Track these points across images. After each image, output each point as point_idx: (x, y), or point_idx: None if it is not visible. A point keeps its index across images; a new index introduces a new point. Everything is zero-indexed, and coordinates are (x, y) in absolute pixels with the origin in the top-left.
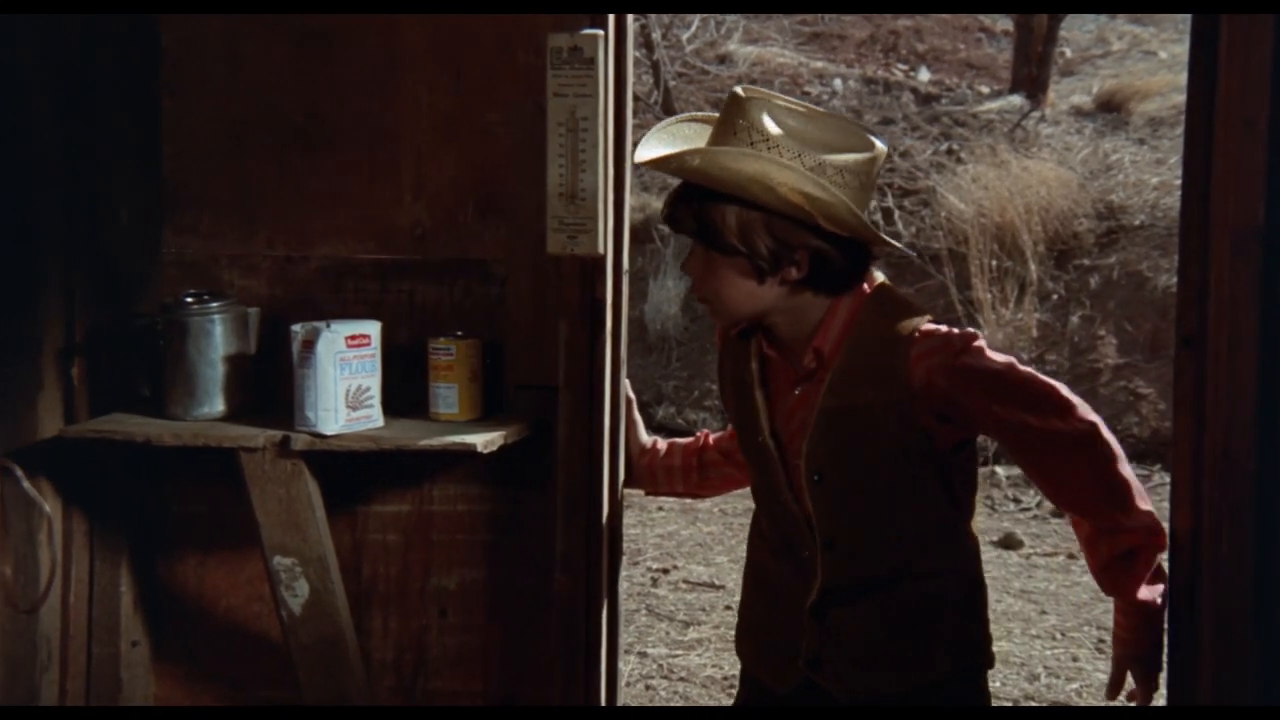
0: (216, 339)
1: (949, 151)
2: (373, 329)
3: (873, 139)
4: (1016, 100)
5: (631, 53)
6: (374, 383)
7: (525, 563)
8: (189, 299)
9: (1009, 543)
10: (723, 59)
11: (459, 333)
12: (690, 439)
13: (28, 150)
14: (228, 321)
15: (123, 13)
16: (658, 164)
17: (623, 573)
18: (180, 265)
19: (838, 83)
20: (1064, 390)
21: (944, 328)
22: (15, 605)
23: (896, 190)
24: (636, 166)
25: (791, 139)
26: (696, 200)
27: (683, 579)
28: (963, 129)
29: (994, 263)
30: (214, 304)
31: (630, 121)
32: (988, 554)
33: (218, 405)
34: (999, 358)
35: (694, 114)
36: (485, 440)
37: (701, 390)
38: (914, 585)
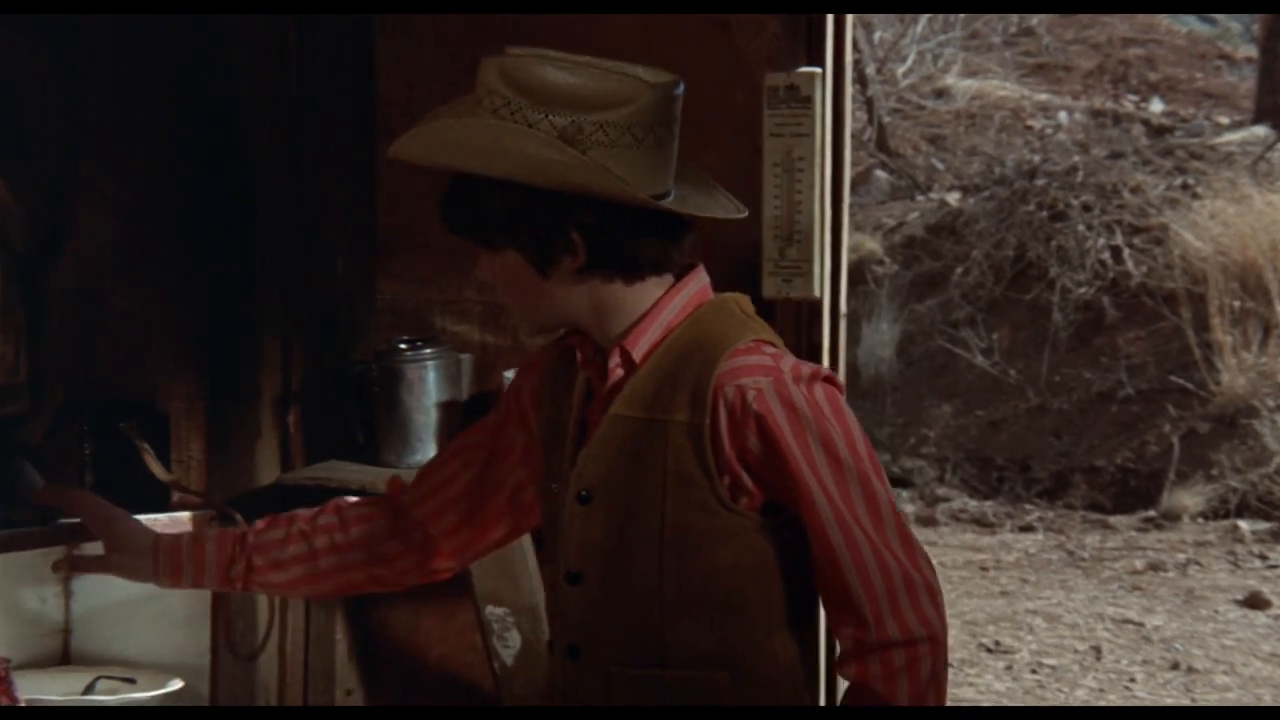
0: (430, 385)
1: (1184, 186)
2: None
3: (648, 80)
4: (1260, 131)
5: (850, 90)
6: None
7: None
8: (403, 345)
9: (1255, 602)
10: (940, 93)
11: None
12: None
13: (250, 198)
14: (440, 368)
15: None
16: (400, 153)
17: None
18: (393, 312)
19: (1063, 115)
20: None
21: (786, 354)
22: (236, 653)
23: (1126, 227)
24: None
25: (538, 97)
26: (464, 189)
27: None
28: (1199, 162)
29: (1235, 304)
30: (427, 350)
31: (849, 161)
32: (1231, 614)
33: (430, 452)
34: (849, 430)
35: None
36: None
37: (918, 437)
38: (681, 676)
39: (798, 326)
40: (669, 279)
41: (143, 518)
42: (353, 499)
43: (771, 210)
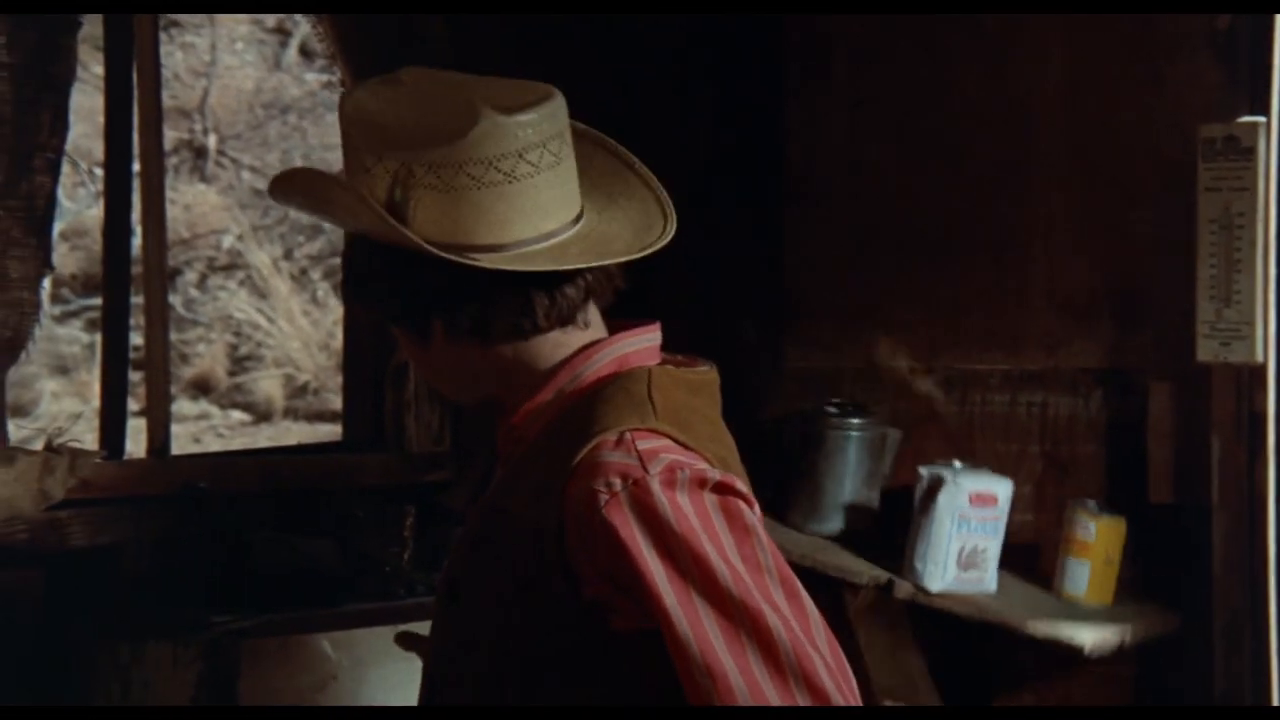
0: (850, 456)
1: None
2: (1002, 489)
3: (486, 107)
4: None
5: None
6: (993, 545)
7: (1180, 702)
8: (830, 410)
9: None
10: None
11: (1101, 507)
12: None
13: (661, 267)
14: (864, 441)
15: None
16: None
17: None
18: (800, 379)
19: None
20: (818, 665)
21: (678, 451)
22: None
23: None
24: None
25: (375, 137)
26: (353, 249)
27: None
28: None
29: None
30: (854, 420)
31: None
32: None
33: (837, 523)
34: (751, 550)
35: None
36: (1095, 641)
37: None
38: None
39: (1238, 393)
40: (582, 333)
41: None
42: None
43: (1207, 270)
